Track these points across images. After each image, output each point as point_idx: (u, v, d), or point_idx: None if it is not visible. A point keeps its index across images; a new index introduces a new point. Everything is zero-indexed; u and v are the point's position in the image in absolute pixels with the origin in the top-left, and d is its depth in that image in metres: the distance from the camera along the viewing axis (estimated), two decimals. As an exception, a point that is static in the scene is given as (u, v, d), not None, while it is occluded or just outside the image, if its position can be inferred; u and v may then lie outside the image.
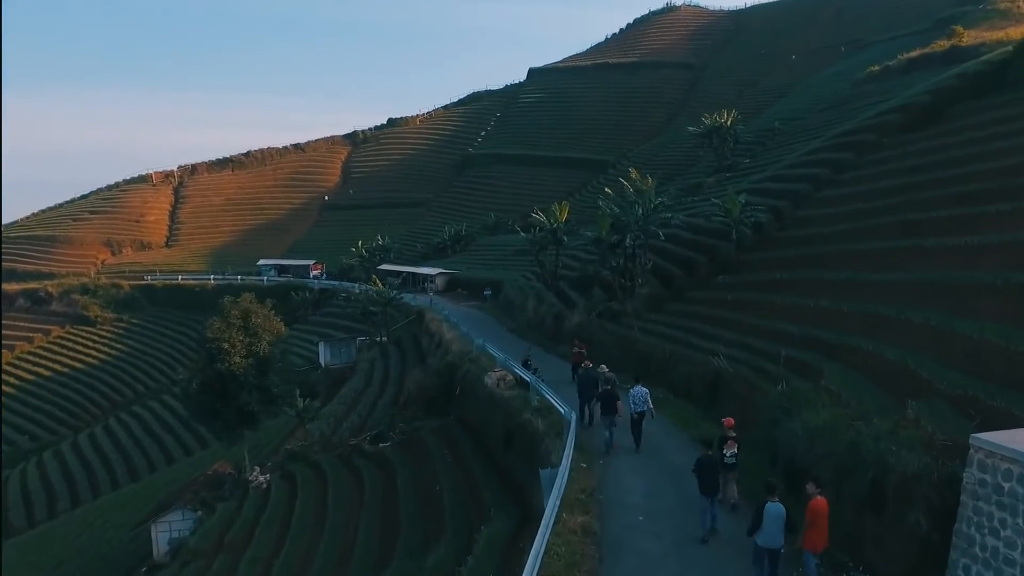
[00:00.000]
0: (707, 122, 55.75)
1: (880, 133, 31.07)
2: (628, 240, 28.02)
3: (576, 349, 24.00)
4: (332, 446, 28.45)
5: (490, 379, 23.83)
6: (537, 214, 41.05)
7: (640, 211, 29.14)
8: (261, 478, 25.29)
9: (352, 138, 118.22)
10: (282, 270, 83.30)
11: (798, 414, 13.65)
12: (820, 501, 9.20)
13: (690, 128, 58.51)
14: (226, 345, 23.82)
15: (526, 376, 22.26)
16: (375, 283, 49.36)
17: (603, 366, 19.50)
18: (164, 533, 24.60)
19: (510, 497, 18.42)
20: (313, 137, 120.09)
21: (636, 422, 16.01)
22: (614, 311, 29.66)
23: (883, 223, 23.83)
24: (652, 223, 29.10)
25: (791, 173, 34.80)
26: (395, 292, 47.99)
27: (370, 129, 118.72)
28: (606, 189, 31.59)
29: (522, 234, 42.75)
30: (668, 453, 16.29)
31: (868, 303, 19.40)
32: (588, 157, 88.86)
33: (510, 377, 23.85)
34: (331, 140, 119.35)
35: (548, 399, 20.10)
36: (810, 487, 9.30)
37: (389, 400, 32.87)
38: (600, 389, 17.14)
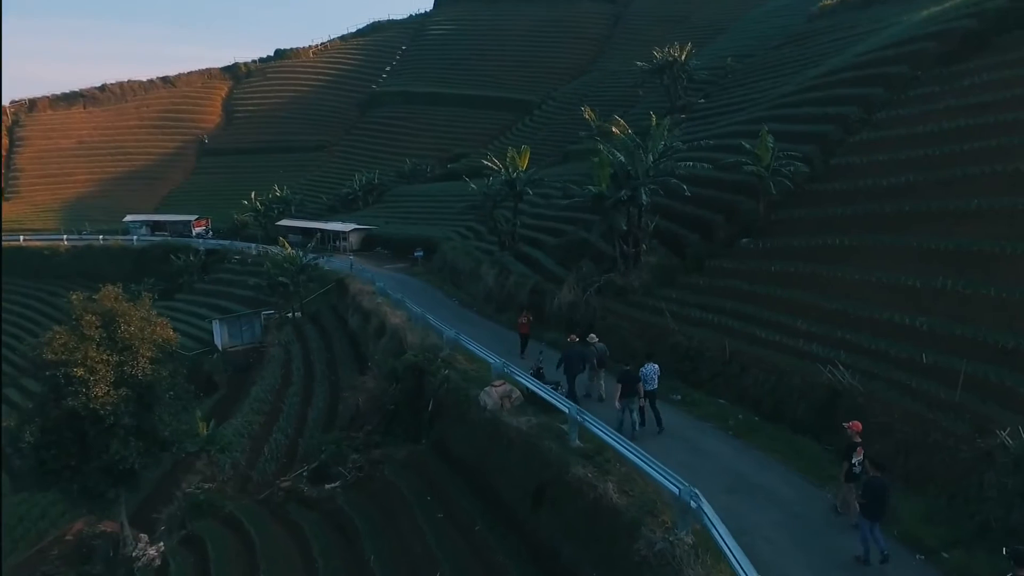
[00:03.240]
0: (658, 57, 49.73)
1: (914, 65, 26.19)
2: (644, 196, 21.60)
3: (522, 320, 21.81)
4: (253, 487, 20.76)
5: (490, 398, 17.03)
6: (491, 161, 33.70)
7: (651, 159, 22.71)
8: (151, 551, 17.35)
9: (233, 71, 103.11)
10: (156, 227, 70.68)
11: None
12: None
13: (639, 63, 52.33)
14: (80, 371, 15.23)
15: (552, 397, 15.67)
16: (284, 245, 40.38)
17: (592, 335, 17.61)
18: (1, 646, 16.36)
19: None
20: (184, 70, 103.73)
21: (651, 401, 15.11)
22: (617, 286, 23.44)
23: (974, 174, 18.87)
24: (665, 173, 22.80)
25: (797, 113, 29.46)
26: (311, 256, 39.30)
27: (254, 61, 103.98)
28: (613, 129, 24.87)
29: (472, 186, 35.26)
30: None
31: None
32: (509, 96, 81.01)
33: (516, 393, 17.20)
34: (207, 73, 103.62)
35: (598, 435, 13.70)
36: None
37: (323, 410, 25.23)
38: (618, 372, 15.28)
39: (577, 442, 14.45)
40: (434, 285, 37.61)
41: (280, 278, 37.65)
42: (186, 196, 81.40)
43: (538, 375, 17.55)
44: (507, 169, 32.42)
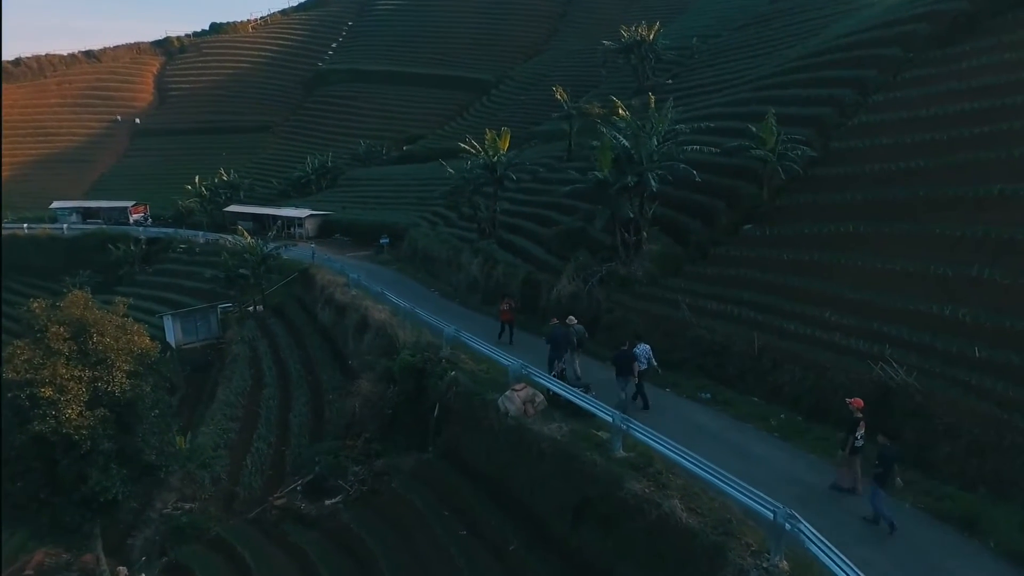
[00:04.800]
0: (626, 36, 48.72)
1: (905, 47, 25.97)
2: (653, 182, 20.58)
3: (504, 307, 21.79)
4: (239, 505, 18.90)
5: (512, 403, 15.76)
6: (469, 144, 32.05)
7: (655, 142, 21.68)
8: (134, 586, 15.47)
9: (164, 46, 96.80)
10: (88, 215, 65.84)
11: None
12: None
13: (605, 42, 51.22)
14: (47, 391, 13.31)
15: (589, 404, 14.54)
16: (242, 234, 37.75)
17: (571, 317, 17.99)
18: None
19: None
20: (110, 43, 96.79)
21: (640, 380, 15.58)
22: (620, 277, 22.45)
23: (988, 159, 18.62)
24: (671, 157, 21.83)
25: (785, 95, 28.86)
26: (273, 246, 36.85)
27: (188, 36, 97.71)
28: (621, 110, 23.41)
29: (450, 170, 33.50)
30: None
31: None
32: (465, 75, 78.67)
33: (540, 397, 15.99)
34: (136, 48, 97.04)
35: (653, 447, 12.70)
36: None
37: (307, 415, 23.39)
38: (618, 351, 15.71)
39: (621, 452, 13.39)
40: (407, 275, 35.87)
41: (240, 270, 35.11)
42: (119, 180, 76.06)
43: (562, 377, 16.40)
44: (486, 152, 30.83)
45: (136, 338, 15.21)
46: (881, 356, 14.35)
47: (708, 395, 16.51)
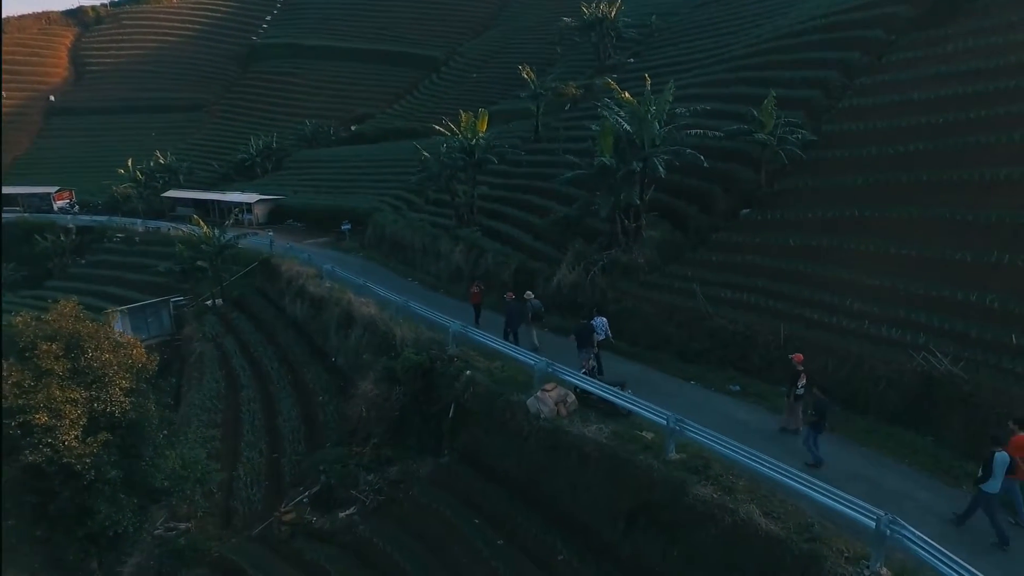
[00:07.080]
0: (587, 13, 47.87)
1: (887, 29, 26.27)
2: (660, 167, 20.05)
3: (475, 289, 22.59)
4: (241, 521, 17.46)
5: (545, 405, 15.04)
6: (443, 126, 30.66)
7: (658, 126, 21.09)
8: (136, 622, 13.95)
9: (78, 16, 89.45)
10: (4, 202, 60.21)
11: None
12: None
13: (566, 19, 50.20)
14: (42, 417, 11.47)
15: (634, 405, 13.97)
16: (198, 223, 35.20)
17: (529, 292, 19.64)
18: None
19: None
20: (14, 12, 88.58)
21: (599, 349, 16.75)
22: (623, 264, 21.92)
23: (989, 143, 18.92)
24: (675, 142, 21.31)
25: (768, 76, 28.76)
26: (232, 235, 34.54)
27: (104, 5, 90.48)
28: (623, 91, 22.30)
29: (425, 154, 31.98)
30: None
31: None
32: (412, 52, 76.01)
33: (571, 397, 15.34)
34: (45, 17, 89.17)
35: (711, 446, 12.30)
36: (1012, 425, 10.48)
37: (297, 419, 21.89)
38: (577, 327, 16.91)
39: (674, 454, 12.92)
40: (378, 263, 34.34)
41: (199, 262, 32.75)
42: (37, 164, 70.05)
43: (591, 374, 15.78)
44: (463, 134, 29.56)
45: (134, 351, 13.56)
46: (916, 344, 14.38)
47: (738, 387, 16.25)
